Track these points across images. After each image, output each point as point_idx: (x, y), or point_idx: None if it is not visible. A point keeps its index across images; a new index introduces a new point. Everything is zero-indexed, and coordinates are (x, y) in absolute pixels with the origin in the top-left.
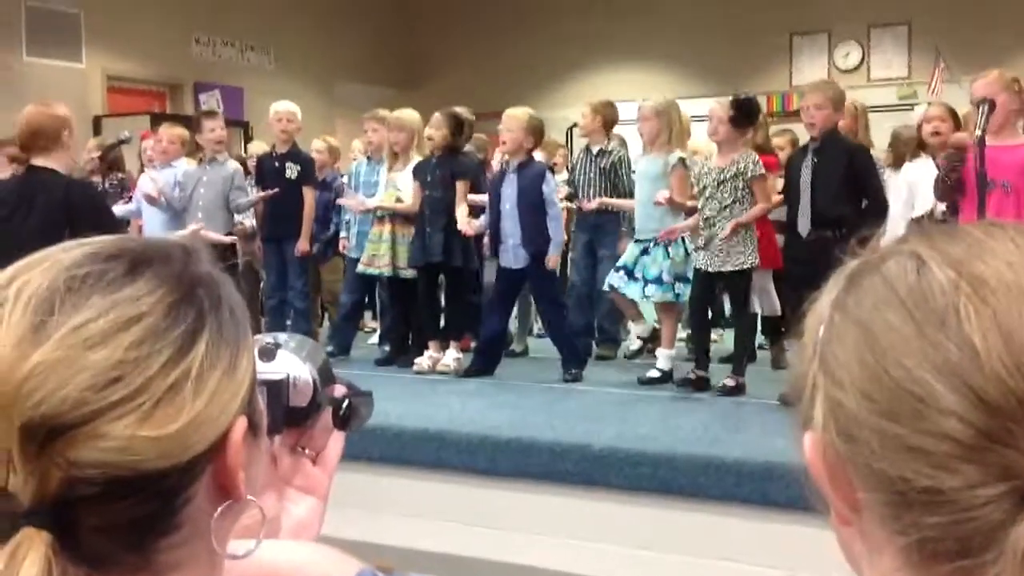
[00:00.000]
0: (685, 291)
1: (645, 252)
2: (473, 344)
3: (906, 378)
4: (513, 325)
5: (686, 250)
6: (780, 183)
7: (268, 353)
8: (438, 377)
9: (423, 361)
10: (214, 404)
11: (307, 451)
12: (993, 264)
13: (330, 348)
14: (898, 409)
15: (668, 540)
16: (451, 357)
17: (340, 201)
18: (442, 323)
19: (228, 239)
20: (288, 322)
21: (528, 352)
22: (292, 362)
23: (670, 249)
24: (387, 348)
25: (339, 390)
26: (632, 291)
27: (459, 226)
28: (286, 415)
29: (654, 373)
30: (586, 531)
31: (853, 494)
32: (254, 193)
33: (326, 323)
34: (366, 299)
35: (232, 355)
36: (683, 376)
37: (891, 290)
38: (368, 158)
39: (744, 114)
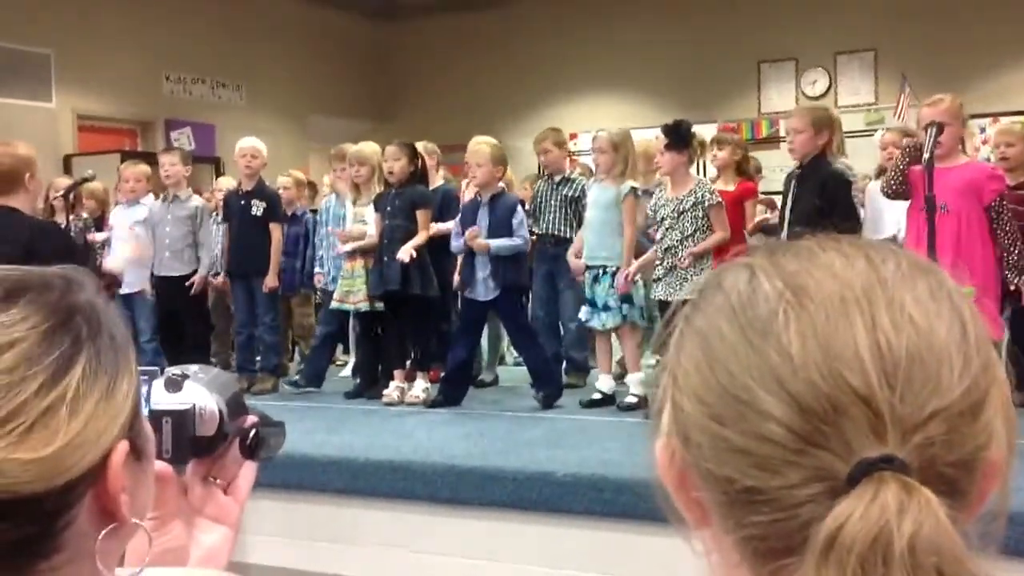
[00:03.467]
0: (632, 312)
1: (596, 280)
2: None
3: (732, 383)
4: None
5: (634, 279)
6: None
7: (174, 384)
8: (407, 408)
9: (391, 392)
10: (91, 428)
11: (218, 481)
12: (818, 275)
13: (299, 379)
14: (725, 412)
15: (632, 566)
16: (419, 388)
17: (338, 234)
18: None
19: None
20: (258, 357)
21: (498, 382)
22: (199, 393)
23: (617, 279)
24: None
25: (249, 420)
26: (595, 322)
27: (400, 255)
28: (192, 445)
29: (596, 395)
30: (550, 558)
31: (697, 497)
32: (220, 231)
33: (297, 357)
34: (339, 333)
35: (111, 380)
36: (623, 399)
37: (726, 300)
38: (336, 195)
39: (676, 137)
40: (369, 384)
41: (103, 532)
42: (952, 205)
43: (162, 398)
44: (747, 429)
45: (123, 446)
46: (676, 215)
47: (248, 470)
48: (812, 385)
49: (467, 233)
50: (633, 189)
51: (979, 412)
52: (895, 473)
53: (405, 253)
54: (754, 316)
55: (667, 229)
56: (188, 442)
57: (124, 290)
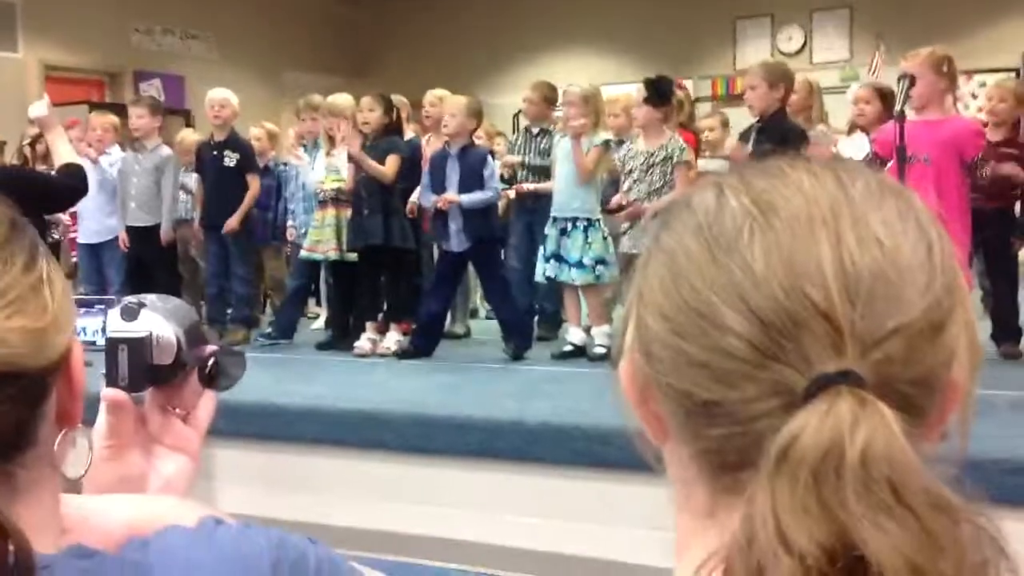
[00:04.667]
0: (606, 273)
1: (564, 233)
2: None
3: (695, 298)
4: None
5: (604, 234)
6: (701, 163)
7: (130, 312)
8: (378, 360)
9: (363, 344)
10: (64, 311)
11: (177, 411)
12: (786, 193)
13: (271, 332)
14: (686, 327)
15: (603, 512)
16: (392, 340)
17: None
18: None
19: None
20: (229, 310)
21: (470, 334)
22: (155, 321)
23: (589, 233)
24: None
25: (208, 350)
26: (564, 276)
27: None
28: (149, 373)
29: (567, 347)
30: (521, 506)
31: (658, 412)
32: (193, 181)
33: (268, 310)
34: (311, 285)
35: (63, 281)
36: (593, 351)
37: (693, 217)
38: (304, 146)
39: (657, 93)
40: (341, 336)
41: (59, 436)
42: (933, 158)
43: (118, 326)
44: (707, 343)
45: (79, 344)
46: (646, 168)
47: (208, 400)
48: (773, 300)
49: (434, 201)
50: (606, 142)
51: (941, 331)
52: (851, 387)
53: (354, 150)
54: (720, 232)
55: (635, 181)
56: (145, 370)
57: (92, 239)
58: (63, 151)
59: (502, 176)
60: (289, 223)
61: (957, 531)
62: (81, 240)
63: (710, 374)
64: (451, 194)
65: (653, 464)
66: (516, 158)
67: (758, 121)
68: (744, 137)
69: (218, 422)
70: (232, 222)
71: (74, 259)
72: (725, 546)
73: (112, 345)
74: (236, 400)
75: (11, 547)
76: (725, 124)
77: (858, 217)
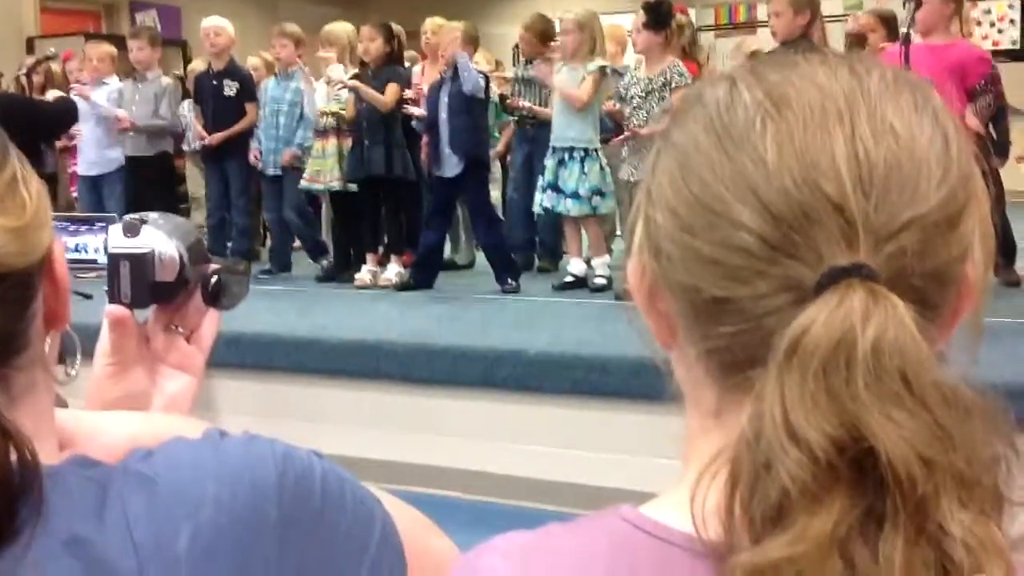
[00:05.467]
0: (602, 204)
1: (561, 163)
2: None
3: (704, 192)
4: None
5: (601, 164)
6: None
7: (132, 228)
8: (378, 291)
9: (363, 275)
10: (43, 207)
11: (180, 329)
12: (799, 85)
13: (271, 267)
14: (696, 222)
15: (602, 440)
16: (392, 271)
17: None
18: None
19: None
20: (229, 243)
21: (474, 264)
22: (158, 238)
23: (585, 163)
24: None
25: (211, 268)
26: (561, 207)
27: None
28: (152, 290)
29: (568, 278)
30: (521, 435)
31: (667, 313)
32: (191, 114)
33: (268, 242)
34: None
35: (38, 180)
36: (593, 282)
37: (704, 112)
38: (275, 75)
39: (656, 17)
40: (342, 268)
41: (50, 334)
42: (936, 83)
43: (120, 242)
44: (717, 238)
45: (60, 242)
46: (644, 94)
47: (212, 319)
48: (785, 193)
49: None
50: (602, 68)
51: (956, 224)
52: (863, 280)
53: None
54: (731, 125)
55: (634, 108)
56: (147, 287)
57: (91, 172)
58: None
59: (501, 103)
60: (253, 145)
61: (969, 425)
62: (81, 172)
63: (720, 270)
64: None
65: (661, 366)
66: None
67: (780, 45)
68: None
69: (219, 352)
70: (216, 137)
71: (73, 194)
72: (732, 445)
73: (114, 261)
74: (237, 331)
75: (14, 453)
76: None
77: (873, 109)
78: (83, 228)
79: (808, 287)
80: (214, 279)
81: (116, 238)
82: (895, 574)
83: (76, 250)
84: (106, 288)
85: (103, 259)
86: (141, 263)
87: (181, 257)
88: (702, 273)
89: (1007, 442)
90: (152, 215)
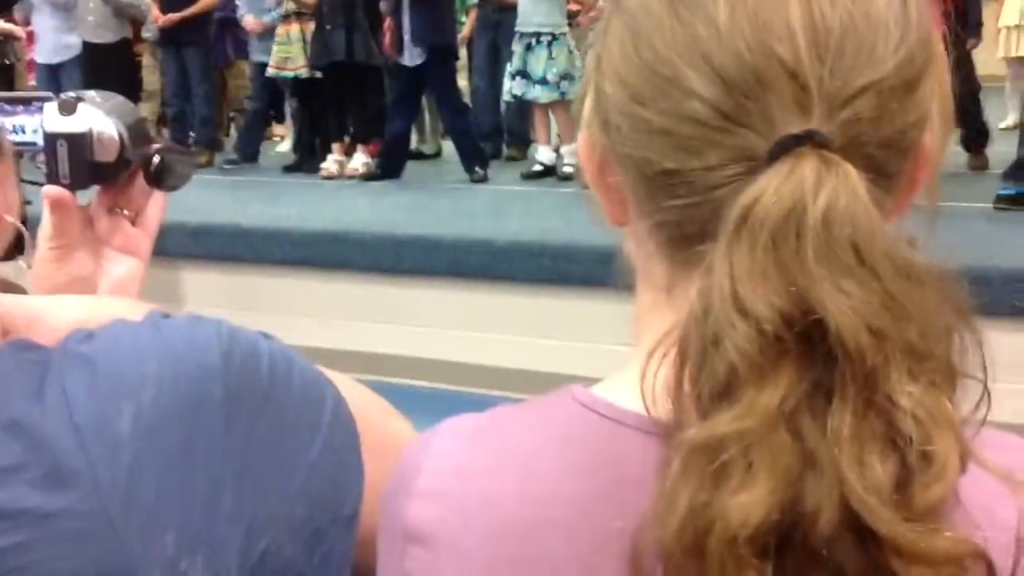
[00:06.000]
0: (571, 89)
1: (528, 49)
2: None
3: (655, 60)
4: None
5: (570, 48)
6: None
7: (68, 107)
8: (346, 182)
9: (330, 165)
10: None
11: (125, 212)
12: None
13: (235, 157)
14: (646, 91)
15: (569, 328)
16: (359, 161)
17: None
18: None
19: None
20: (191, 133)
21: (441, 153)
22: (95, 116)
23: (553, 48)
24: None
25: (153, 148)
26: (530, 94)
27: None
28: (92, 170)
29: (536, 167)
30: (489, 323)
31: (617, 187)
32: None
33: (232, 131)
34: (271, 105)
35: None
36: (562, 170)
37: None
38: None
39: None
40: (307, 158)
41: None
42: None
43: (55, 122)
44: (668, 108)
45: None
46: None
47: (157, 201)
48: (738, 57)
49: None
50: None
51: (913, 89)
52: (816, 148)
53: None
54: None
55: None
56: (87, 167)
57: (51, 59)
58: None
59: None
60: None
61: (921, 295)
62: (39, 60)
63: (670, 141)
64: None
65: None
66: None
67: None
68: None
69: (184, 244)
70: (171, 18)
71: (32, 83)
72: (681, 321)
73: (51, 141)
74: (202, 222)
75: None
76: None
77: None
78: (19, 109)
79: (760, 156)
80: (157, 159)
81: (52, 118)
82: (843, 447)
83: (14, 131)
84: (45, 172)
85: (41, 142)
86: (79, 143)
87: (121, 136)
88: (652, 144)
89: (961, 314)
90: (89, 93)
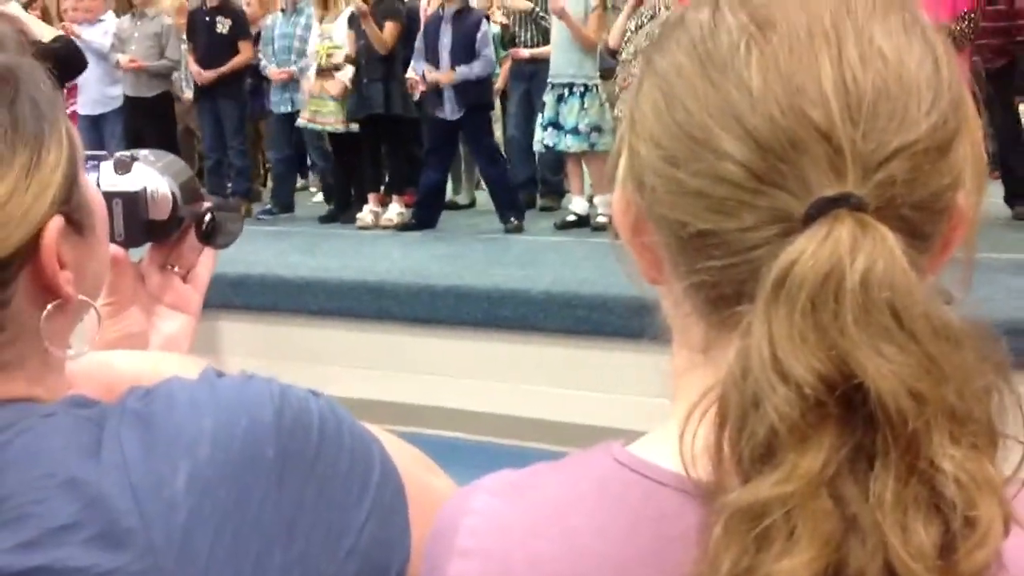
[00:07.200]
0: (600, 141)
1: (561, 99)
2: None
3: (688, 121)
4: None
5: (601, 100)
6: None
7: (124, 165)
8: (380, 232)
9: (365, 216)
10: (14, 203)
11: (176, 268)
12: (785, 8)
13: (271, 208)
14: (679, 153)
15: (605, 380)
16: (394, 211)
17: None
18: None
19: None
20: (229, 184)
21: (475, 204)
22: (150, 175)
23: (585, 99)
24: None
25: (204, 205)
26: (561, 144)
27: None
28: (146, 228)
29: (570, 217)
30: (524, 375)
31: (652, 247)
32: (184, 49)
33: (269, 183)
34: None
35: (34, 152)
36: (596, 220)
37: (687, 36)
38: (282, 11)
39: None
40: (343, 208)
41: (46, 309)
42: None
43: (111, 180)
44: (702, 169)
45: (56, 222)
46: (635, 28)
47: (207, 257)
48: (771, 120)
49: (427, 75)
50: (603, 1)
51: (946, 151)
52: (852, 211)
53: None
54: (715, 50)
55: (626, 42)
56: (141, 225)
57: (93, 111)
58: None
59: (501, 38)
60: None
61: (960, 357)
62: (81, 112)
63: (704, 202)
64: (443, 74)
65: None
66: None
67: None
68: None
69: (222, 294)
70: (208, 75)
71: None
72: (720, 382)
73: (106, 200)
74: (240, 272)
75: None
76: None
77: (860, 31)
78: None
79: (796, 218)
80: (208, 217)
81: (107, 176)
82: (886, 512)
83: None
84: None
85: (89, 185)
86: (134, 201)
87: (174, 194)
88: (687, 206)
89: (1000, 373)
90: (143, 152)
